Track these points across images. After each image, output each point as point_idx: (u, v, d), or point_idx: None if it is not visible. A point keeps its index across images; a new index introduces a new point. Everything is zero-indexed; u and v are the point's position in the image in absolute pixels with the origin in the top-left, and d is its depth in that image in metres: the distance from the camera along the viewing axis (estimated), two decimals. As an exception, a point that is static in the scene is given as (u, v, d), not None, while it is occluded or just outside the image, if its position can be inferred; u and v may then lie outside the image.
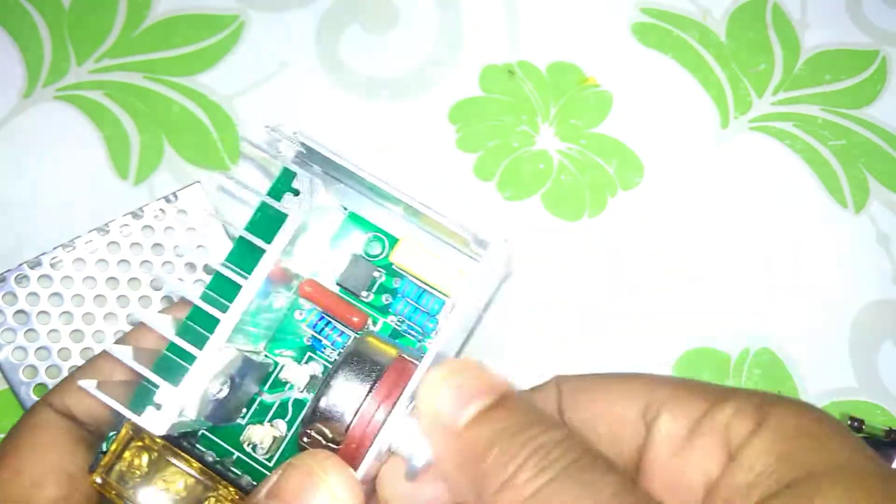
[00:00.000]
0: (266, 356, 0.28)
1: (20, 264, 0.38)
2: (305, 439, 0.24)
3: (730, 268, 0.42)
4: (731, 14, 0.46)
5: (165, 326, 0.24)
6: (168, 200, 0.39)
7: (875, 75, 0.45)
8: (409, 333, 0.29)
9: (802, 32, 0.46)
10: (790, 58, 0.45)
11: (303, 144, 0.26)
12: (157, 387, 0.23)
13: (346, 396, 0.24)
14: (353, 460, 0.23)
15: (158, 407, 0.23)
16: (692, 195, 0.43)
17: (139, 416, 0.23)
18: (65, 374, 0.37)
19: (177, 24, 0.44)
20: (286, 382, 0.28)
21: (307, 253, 0.28)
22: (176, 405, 0.23)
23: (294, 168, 0.26)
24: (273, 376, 0.28)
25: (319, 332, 0.28)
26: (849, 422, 0.38)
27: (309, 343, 0.29)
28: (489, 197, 0.42)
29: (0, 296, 0.37)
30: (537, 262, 0.41)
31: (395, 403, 0.23)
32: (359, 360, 0.24)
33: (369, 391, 0.24)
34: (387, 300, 0.29)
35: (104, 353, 0.29)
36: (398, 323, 0.29)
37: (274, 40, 0.44)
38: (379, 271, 0.29)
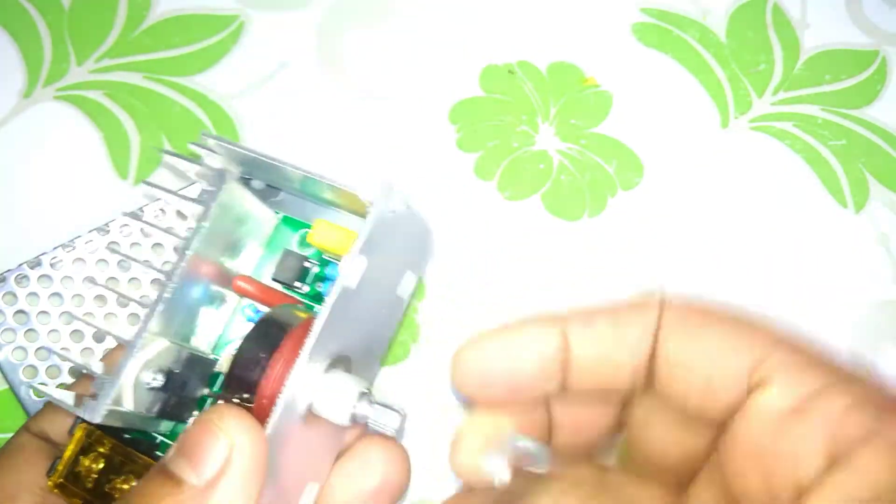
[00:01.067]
0: (214, 356, 0.30)
1: (20, 264, 0.38)
2: (227, 392, 0.25)
3: (730, 268, 0.42)
4: (732, 14, 0.46)
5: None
6: (168, 201, 0.39)
7: (875, 75, 0.45)
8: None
9: (802, 32, 0.46)
10: (790, 58, 0.45)
11: (222, 148, 0.28)
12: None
13: (255, 358, 0.25)
14: (265, 416, 0.24)
15: (94, 397, 0.24)
16: (692, 195, 0.43)
17: (78, 406, 0.24)
18: (65, 374, 0.37)
19: (177, 24, 0.44)
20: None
21: (247, 258, 0.30)
22: (107, 392, 0.24)
23: (198, 179, 0.28)
24: (221, 375, 0.29)
25: None
26: (849, 422, 0.38)
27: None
28: (489, 197, 0.42)
29: (0, 296, 0.37)
30: (537, 262, 0.41)
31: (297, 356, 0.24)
32: (266, 325, 0.26)
33: (274, 349, 0.25)
34: (320, 287, 0.30)
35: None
36: None
37: (274, 40, 0.44)
38: (311, 262, 0.30)
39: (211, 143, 0.27)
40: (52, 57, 0.43)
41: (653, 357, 0.22)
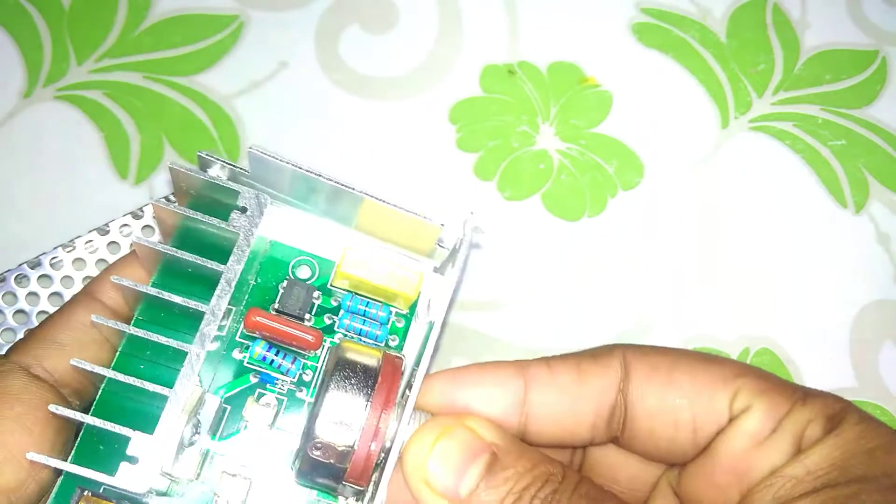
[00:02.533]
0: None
1: (20, 264, 0.38)
2: (315, 452, 0.23)
3: (729, 268, 0.42)
4: (732, 14, 0.46)
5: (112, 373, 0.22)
6: (168, 200, 0.39)
7: (875, 75, 0.45)
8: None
9: (802, 32, 0.46)
10: (790, 58, 0.45)
11: (252, 161, 0.25)
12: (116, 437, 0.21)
13: (346, 406, 0.23)
14: (365, 473, 0.22)
15: (134, 461, 0.20)
16: (692, 195, 0.43)
17: (113, 476, 0.20)
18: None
19: (177, 24, 0.44)
20: (242, 421, 0.26)
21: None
22: (156, 456, 0.20)
23: (236, 186, 0.25)
24: (224, 420, 0.26)
25: (270, 364, 0.27)
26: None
27: (257, 380, 0.27)
28: (489, 197, 0.42)
29: (0, 295, 0.37)
30: (537, 262, 0.41)
31: (393, 406, 0.23)
32: (347, 367, 0.23)
33: (368, 400, 0.23)
34: (329, 320, 0.28)
35: (78, 298, 0.27)
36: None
37: (273, 40, 0.44)
38: (316, 293, 0.28)
39: (256, 160, 0.25)
40: (52, 57, 0.43)
41: (617, 407, 0.24)
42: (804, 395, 0.23)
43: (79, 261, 0.38)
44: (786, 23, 0.46)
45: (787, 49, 0.45)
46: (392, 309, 0.28)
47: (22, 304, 0.37)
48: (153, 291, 0.23)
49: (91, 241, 0.38)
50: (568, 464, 0.25)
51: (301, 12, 0.45)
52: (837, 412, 0.22)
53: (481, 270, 0.40)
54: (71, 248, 0.38)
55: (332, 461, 0.22)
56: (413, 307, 0.28)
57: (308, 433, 0.23)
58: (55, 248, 0.38)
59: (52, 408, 0.21)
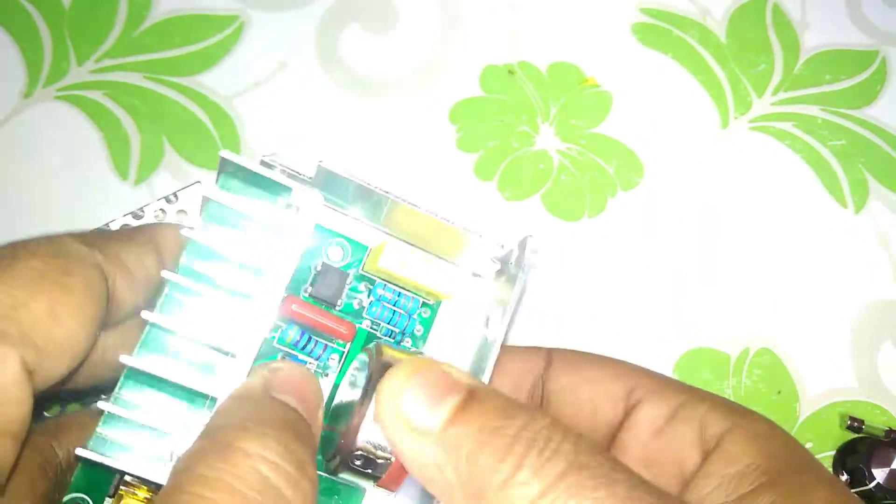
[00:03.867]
0: None
1: (20, 264, 0.38)
2: (356, 463, 0.23)
3: (729, 268, 0.42)
4: (731, 14, 0.46)
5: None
6: (168, 200, 0.39)
7: (875, 75, 0.45)
8: (386, 336, 0.29)
9: (802, 33, 0.46)
10: (790, 58, 0.45)
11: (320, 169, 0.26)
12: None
13: None
14: (397, 481, 0.23)
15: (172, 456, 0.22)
16: (692, 195, 0.43)
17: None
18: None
19: (177, 25, 0.44)
20: None
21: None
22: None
23: (289, 183, 0.25)
24: None
25: (302, 349, 0.27)
26: (849, 422, 0.38)
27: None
28: (489, 197, 0.42)
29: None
30: (536, 262, 0.41)
31: None
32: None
33: None
34: (358, 305, 0.28)
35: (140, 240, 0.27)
36: (372, 326, 0.28)
37: (274, 40, 0.44)
38: (349, 279, 0.28)
39: (325, 173, 0.26)
40: (52, 57, 0.43)
41: (535, 387, 0.29)
42: (699, 393, 0.26)
43: (79, 261, 0.38)
44: (786, 23, 0.46)
45: (787, 49, 0.45)
46: (420, 300, 0.29)
47: (22, 303, 0.37)
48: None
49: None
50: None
51: (301, 12, 0.45)
52: (734, 407, 0.24)
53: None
54: (71, 248, 0.38)
55: (370, 470, 0.23)
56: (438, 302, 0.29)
57: (348, 440, 0.23)
58: (55, 248, 0.38)
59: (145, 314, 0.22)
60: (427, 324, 0.29)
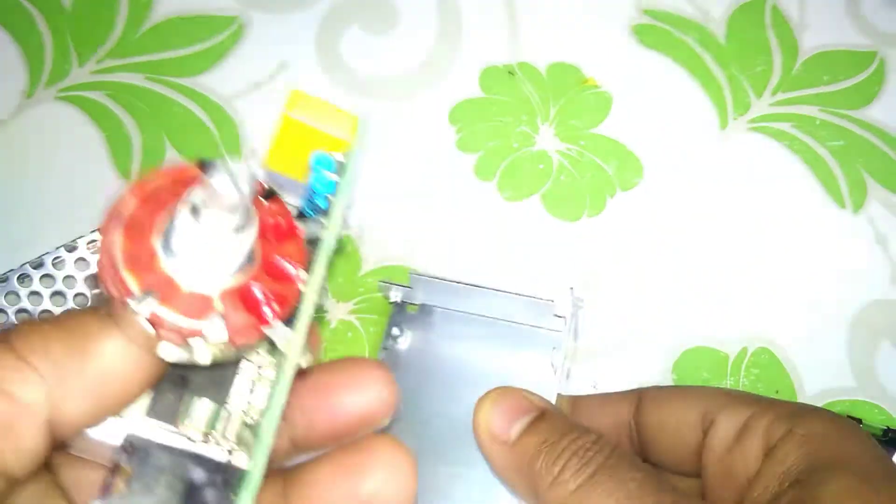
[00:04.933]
0: None
1: (23, 264, 0.38)
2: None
3: (728, 268, 0.42)
4: (731, 15, 0.46)
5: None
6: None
7: (873, 76, 0.45)
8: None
9: (801, 33, 0.46)
10: (789, 59, 0.45)
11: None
12: None
13: None
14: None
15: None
16: (691, 196, 0.43)
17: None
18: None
19: (178, 25, 0.44)
20: None
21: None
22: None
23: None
24: None
25: None
26: (847, 421, 0.38)
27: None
28: (489, 197, 0.42)
29: (2, 295, 0.38)
30: (536, 262, 0.41)
31: None
32: None
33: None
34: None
35: None
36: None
37: (274, 41, 0.44)
38: None
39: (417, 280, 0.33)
40: (53, 58, 0.43)
41: (636, 425, 0.31)
42: (767, 403, 0.27)
43: (81, 261, 0.38)
44: (784, 24, 0.46)
45: (786, 50, 0.45)
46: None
47: (24, 303, 0.38)
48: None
49: (93, 240, 0.38)
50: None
51: (302, 13, 0.45)
52: (798, 410, 0.26)
53: (481, 270, 0.41)
54: (73, 248, 0.38)
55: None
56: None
57: None
58: (57, 247, 0.38)
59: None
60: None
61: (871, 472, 0.23)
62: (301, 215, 0.22)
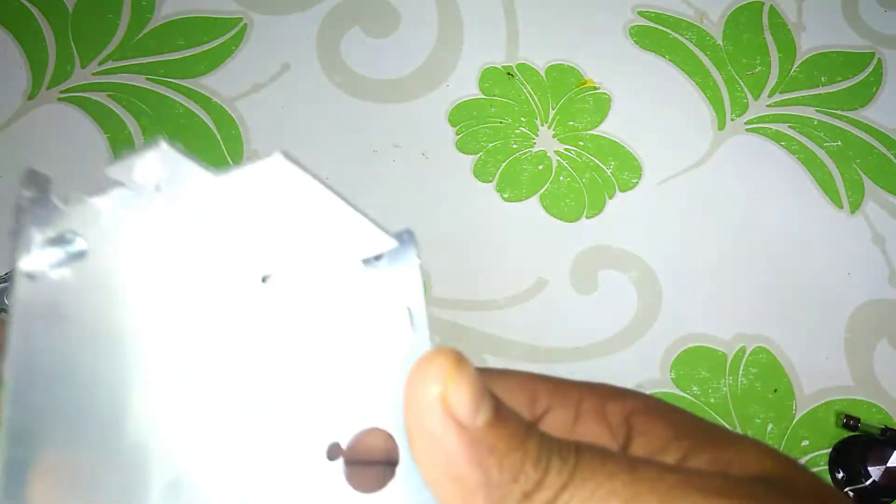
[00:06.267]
0: None
1: (25, 264, 0.38)
2: None
3: (726, 267, 0.42)
4: (728, 17, 0.46)
5: None
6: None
7: (870, 77, 0.46)
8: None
9: (798, 35, 0.46)
10: (786, 60, 0.46)
11: None
12: None
13: None
14: None
15: None
16: (689, 196, 0.43)
17: None
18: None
19: (180, 27, 0.44)
20: None
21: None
22: None
23: None
24: None
25: None
26: (844, 420, 0.39)
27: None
28: (489, 198, 0.42)
29: (5, 295, 0.38)
30: (535, 262, 0.41)
31: None
32: None
33: None
34: None
35: None
36: None
37: (276, 43, 0.44)
38: None
39: None
40: (56, 59, 0.43)
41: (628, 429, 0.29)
42: (588, 386, 0.26)
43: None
44: (782, 25, 0.46)
45: (783, 51, 0.46)
46: None
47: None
48: None
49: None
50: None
51: (303, 15, 0.45)
52: (613, 391, 0.25)
53: (481, 271, 0.41)
54: (75, 248, 0.38)
55: None
56: None
57: None
58: (60, 248, 0.38)
59: None
60: None
61: (740, 436, 0.25)
62: None
